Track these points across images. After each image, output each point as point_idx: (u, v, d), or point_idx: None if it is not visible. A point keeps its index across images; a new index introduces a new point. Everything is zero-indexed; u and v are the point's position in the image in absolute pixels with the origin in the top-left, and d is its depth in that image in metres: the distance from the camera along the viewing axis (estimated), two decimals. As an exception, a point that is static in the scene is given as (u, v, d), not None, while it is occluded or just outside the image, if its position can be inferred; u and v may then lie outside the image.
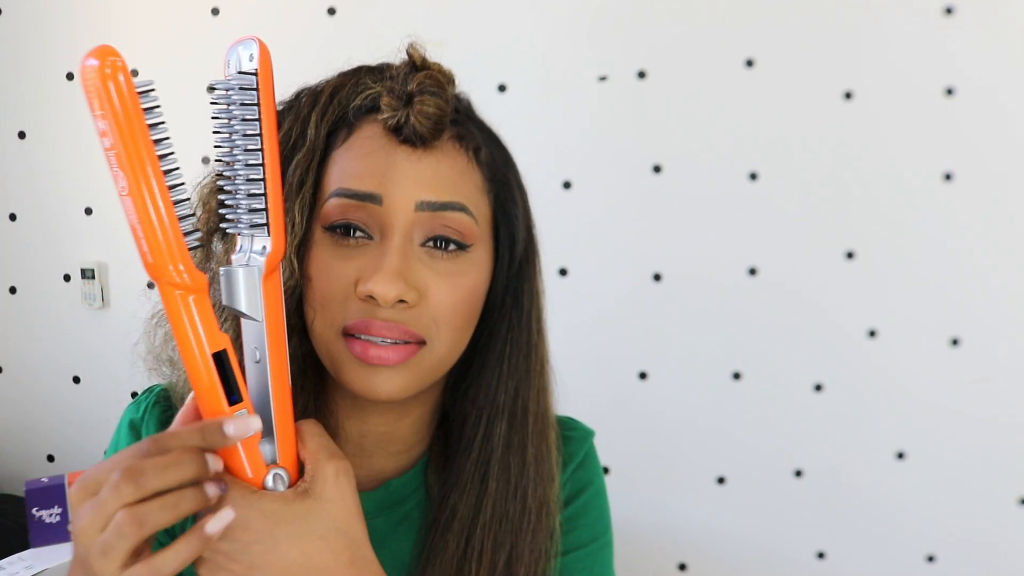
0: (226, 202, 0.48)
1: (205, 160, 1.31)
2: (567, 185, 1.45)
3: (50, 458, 1.82)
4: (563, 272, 1.48)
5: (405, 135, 0.54)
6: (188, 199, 0.44)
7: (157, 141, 0.42)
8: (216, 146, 0.47)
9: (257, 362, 0.49)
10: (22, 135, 1.73)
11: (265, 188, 0.47)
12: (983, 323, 1.36)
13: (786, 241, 1.40)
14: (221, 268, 0.48)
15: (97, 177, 1.71)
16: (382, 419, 0.61)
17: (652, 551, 1.51)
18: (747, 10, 1.36)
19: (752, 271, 1.42)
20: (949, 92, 1.32)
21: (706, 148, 1.41)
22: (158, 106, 0.42)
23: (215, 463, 0.45)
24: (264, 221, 0.47)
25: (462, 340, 0.58)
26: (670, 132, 1.42)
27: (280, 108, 0.60)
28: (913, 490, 1.41)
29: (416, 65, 0.56)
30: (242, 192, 0.47)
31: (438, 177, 0.55)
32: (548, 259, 1.66)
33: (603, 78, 1.42)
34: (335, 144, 0.57)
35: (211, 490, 0.44)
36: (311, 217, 0.56)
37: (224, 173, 0.48)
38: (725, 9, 1.37)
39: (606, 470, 1.51)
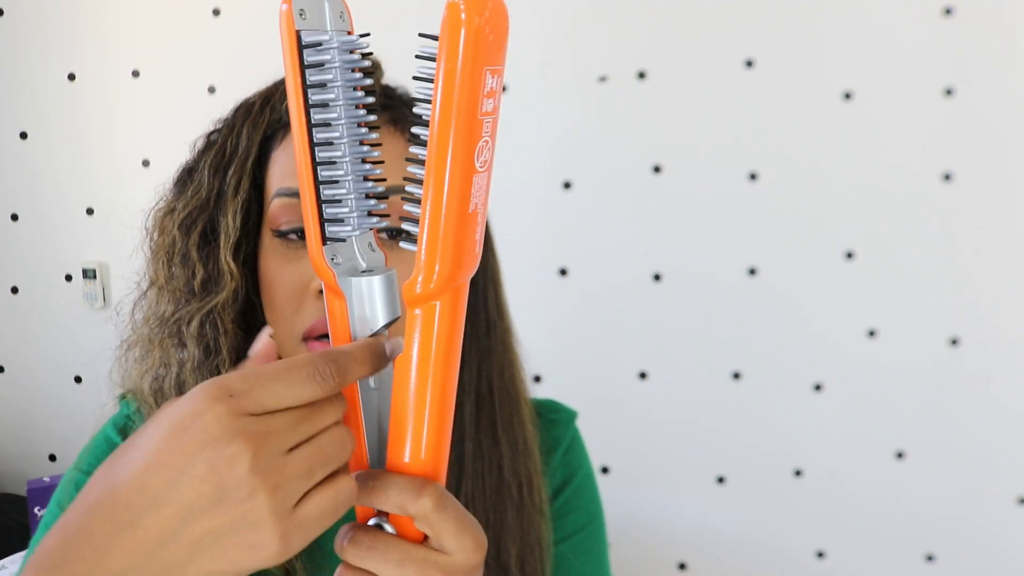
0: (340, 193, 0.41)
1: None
2: (567, 185, 1.45)
3: (51, 458, 1.82)
4: (563, 272, 1.48)
5: None
6: None
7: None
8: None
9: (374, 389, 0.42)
10: (23, 135, 1.73)
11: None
12: (983, 323, 1.36)
13: (786, 241, 1.40)
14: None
15: (98, 177, 1.71)
16: None
17: (652, 551, 1.51)
18: (747, 10, 1.36)
19: (752, 271, 1.42)
20: (949, 92, 1.32)
21: (706, 148, 1.41)
22: None
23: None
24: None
25: None
26: (670, 132, 1.42)
27: (219, 127, 0.59)
28: (913, 490, 1.41)
29: None
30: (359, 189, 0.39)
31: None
32: (548, 259, 1.66)
33: (603, 78, 1.42)
34: (273, 147, 0.56)
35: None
36: (260, 222, 0.56)
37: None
38: (725, 9, 1.37)
39: (606, 470, 1.51)
